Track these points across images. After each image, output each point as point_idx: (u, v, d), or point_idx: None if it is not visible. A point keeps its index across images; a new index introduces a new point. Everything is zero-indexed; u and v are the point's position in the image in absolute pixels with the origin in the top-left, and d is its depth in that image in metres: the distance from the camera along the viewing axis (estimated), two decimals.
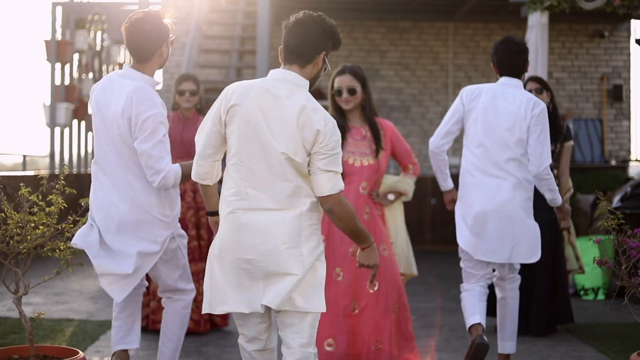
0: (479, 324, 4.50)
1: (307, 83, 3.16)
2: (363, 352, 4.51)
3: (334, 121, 3.12)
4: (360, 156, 4.64)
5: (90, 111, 3.94)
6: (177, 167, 3.76)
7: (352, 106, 4.65)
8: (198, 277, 5.63)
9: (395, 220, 4.85)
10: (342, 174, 4.50)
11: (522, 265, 5.30)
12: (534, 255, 4.57)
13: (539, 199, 5.40)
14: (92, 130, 3.88)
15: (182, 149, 5.64)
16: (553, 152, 5.80)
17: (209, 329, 5.75)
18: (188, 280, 4.01)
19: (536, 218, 4.70)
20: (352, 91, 4.62)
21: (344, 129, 4.63)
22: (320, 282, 3.15)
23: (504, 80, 4.66)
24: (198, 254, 5.67)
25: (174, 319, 3.99)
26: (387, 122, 4.80)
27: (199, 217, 5.76)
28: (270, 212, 3.09)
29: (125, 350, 4.01)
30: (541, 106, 4.52)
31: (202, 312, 3.28)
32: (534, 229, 4.57)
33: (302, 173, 3.11)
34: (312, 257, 3.13)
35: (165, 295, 4.03)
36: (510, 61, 4.62)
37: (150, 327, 5.66)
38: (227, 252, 3.13)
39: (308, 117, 3.06)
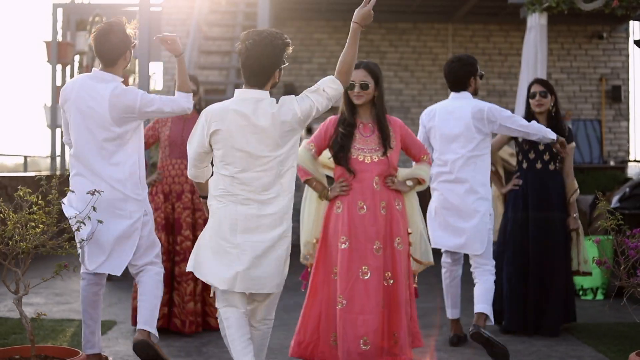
0: (457, 320, 5.56)
1: (267, 93, 3.83)
2: (385, 346, 4.53)
3: (289, 96, 3.83)
4: (369, 153, 4.64)
5: (64, 109, 4.35)
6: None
7: (363, 101, 4.66)
8: (187, 277, 5.64)
9: (413, 208, 4.85)
10: (353, 171, 4.59)
11: (539, 265, 5.75)
12: (477, 247, 5.25)
13: (553, 199, 5.57)
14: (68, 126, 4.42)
15: (182, 149, 5.65)
16: (557, 154, 5.78)
17: (194, 330, 5.69)
18: (159, 254, 4.53)
19: (550, 217, 5.54)
20: (364, 86, 4.62)
21: (352, 126, 4.66)
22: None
23: (453, 95, 5.42)
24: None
25: (150, 282, 4.44)
26: (396, 119, 4.81)
27: (195, 219, 5.77)
28: (259, 205, 3.76)
29: (98, 354, 4.58)
30: (487, 106, 5.25)
31: (187, 270, 3.98)
32: (481, 226, 5.22)
33: (284, 164, 3.78)
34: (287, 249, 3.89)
35: (138, 271, 4.48)
36: (454, 78, 5.38)
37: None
38: (219, 237, 3.78)
39: (281, 116, 3.77)
